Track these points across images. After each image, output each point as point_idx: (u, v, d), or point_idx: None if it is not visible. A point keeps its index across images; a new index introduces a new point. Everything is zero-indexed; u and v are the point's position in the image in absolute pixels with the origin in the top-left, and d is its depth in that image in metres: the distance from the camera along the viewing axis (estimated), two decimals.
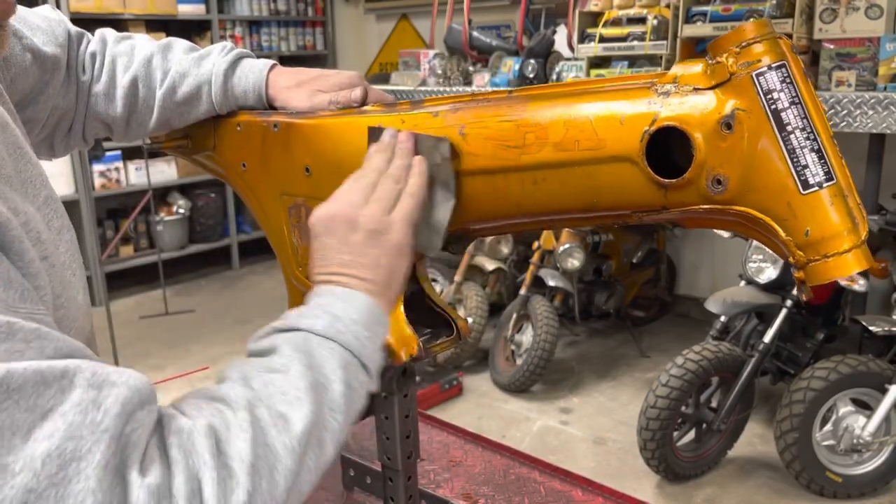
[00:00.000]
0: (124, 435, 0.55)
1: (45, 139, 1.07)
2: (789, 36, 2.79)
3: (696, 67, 0.76)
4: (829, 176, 0.70)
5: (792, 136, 0.71)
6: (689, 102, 0.75)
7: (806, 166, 0.71)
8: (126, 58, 1.07)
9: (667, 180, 0.76)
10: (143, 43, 1.09)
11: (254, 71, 1.04)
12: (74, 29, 1.08)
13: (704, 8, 3.01)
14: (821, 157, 0.70)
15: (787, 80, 0.71)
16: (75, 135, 1.09)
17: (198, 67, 1.05)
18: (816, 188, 0.70)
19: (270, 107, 1.05)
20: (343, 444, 0.71)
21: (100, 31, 1.11)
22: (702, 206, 0.76)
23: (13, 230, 0.64)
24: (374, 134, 0.90)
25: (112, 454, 0.54)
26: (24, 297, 0.61)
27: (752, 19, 0.71)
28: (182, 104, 1.06)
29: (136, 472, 0.55)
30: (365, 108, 0.98)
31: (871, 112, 2.53)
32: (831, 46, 2.79)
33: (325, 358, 0.69)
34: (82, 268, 0.84)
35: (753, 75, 0.72)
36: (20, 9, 1.00)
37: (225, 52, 1.06)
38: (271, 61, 1.06)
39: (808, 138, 0.71)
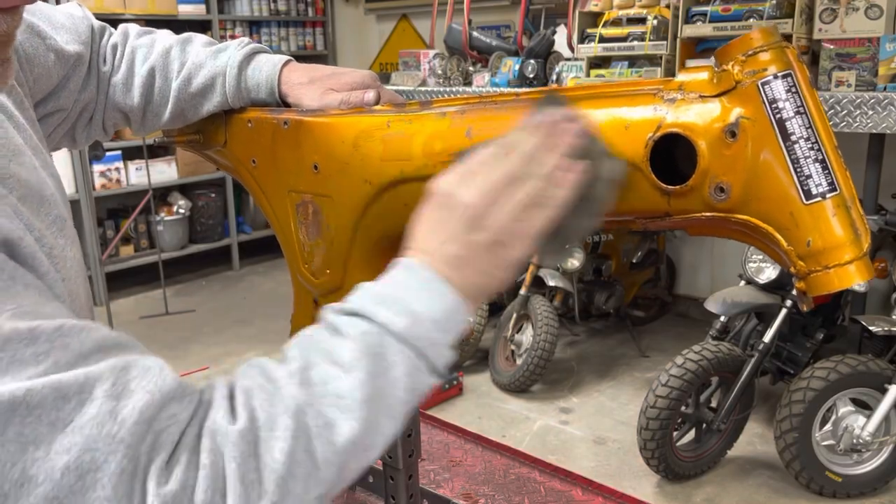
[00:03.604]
0: (147, 439, 0.57)
1: (68, 131, 1.08)
2: (789, 36, 2.79)
3: (702, 75, 0.76)
4: (832, 186, 0.71)
5: (796, 145, 0.71)
6: (694, 110, 0.75)
7: (809, 176, 0.71)
8: (145, 49, 1.09)
9: (670, 187, 0.76)
10: (163, 36, 1.11)
11: (268, 65, 1.06)
12: (97, 23, 1.10)
13: (704, 8, 3.01)
14: (824, 168, 0.71)
15: (793, 90, 0.72)
16: (96, 125, 1.10)
17: (214, 60, 1.07)
18: (819, 198, 0.71)
19: (283, 102, 1.06)
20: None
21: (122, 26, 1.13)
22: (704, 214, 0.76)
23: (27, 246, 0.66)
24: (551, 102, 0.78)
25: (128, 462, 0.56)
26: (42, 296, 0.63)
27: (759, 27, 0.71)
28: (196, 95, 1.07)
29: (155, 480, 0.56)
30: (374, 107, 0.99)
31: (870, 112, 2.54)
32: (831, 46, 2.79)
33: (395, 363, 0.66)
34: (87, 283, 0.85)
35: (759, 84, 0.72)
36: (46, 7, 1.01)
37: (241, 46, 1.08)
38: (286, 57, 1.07)
39: (812, 148, 0.71)
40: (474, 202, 0.71)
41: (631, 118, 0.78)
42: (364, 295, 0.70)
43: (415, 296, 0.69)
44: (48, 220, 0.77)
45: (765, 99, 0.72)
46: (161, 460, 0.57)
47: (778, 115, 0.71)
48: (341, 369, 0.65)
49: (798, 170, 0.71)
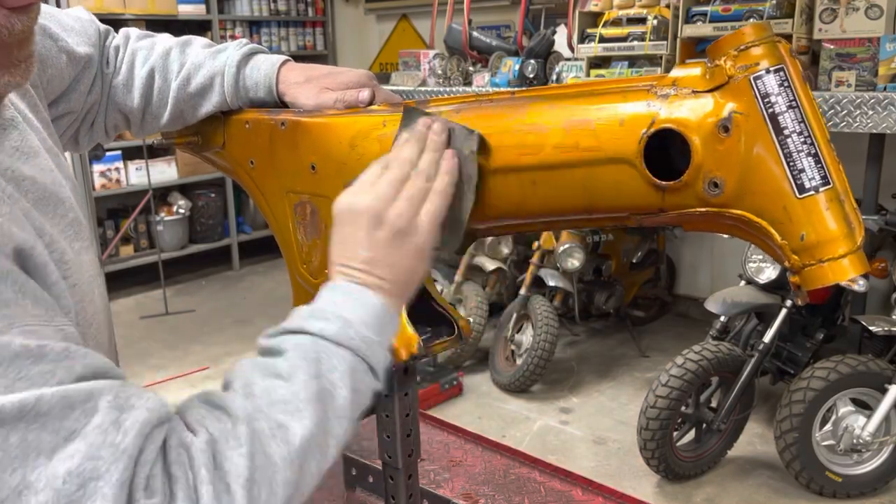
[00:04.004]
0: (140, 455, 0.58)
1: (73, 135, 1.09)
2: (789, 37, 2.79)
3: (695, 70, 0.76)
4: (825, 180, 0.71)
5: (789, 139, 0.71)
6: (687, 105, 0.75)
7: (802, 170, 0.71)
8: (146, 51, 1.10)
9: (664, 182, 0.76)
10: (163, 39, 1.13)
11: (266, 64, 1.07)
12: (102, 26, 1.11)
13: (704, 8, 3.01)
14: (817, 161, 0.71)
15: (785, 84, 0.71)
16: (98, 128, 1.11)
17: (213, 60, 1.08)
18: (812, 192, 0.71)
19: (281, 101, 1.06)
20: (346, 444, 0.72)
21: (124, 29, 1.14)
22: (699, 209, 0.77)
23: (37, 256, 0.67)
24: (409, 117, 0.88)
25: (128, 474, 0.57)
26: (49, 311, 0.64)
27: (751, 22, 0.71)
28: (195, 95, 1.08)
29: (143, 494, 0.58)
30: (371, 107, 0.99)
31: (870, 112, 2.54)
32: (831, 46, 2.79)
33: (334, 365, 0.70)
34: (103, 287, 0.85)
35: (751, 79, 0.72)
36: (55, 10, 1.02)
37: (240, 46, 1.09)
38: (284, 56, 1.08)
39: (804, 142, 0.71)
40: (370, 205, 0.77)
41: (625, 114, 0.78)
42: (292, 316, 0.74)
43: (341, 305, 0.73)
44: (63, 223, 0.77)
45: (757, 93, 0.72)
46: (143, 475, 0.58)
47: (770, 110, 0.71)
48: (282, 379, 0.68)
49: (791, 164, 0.71)
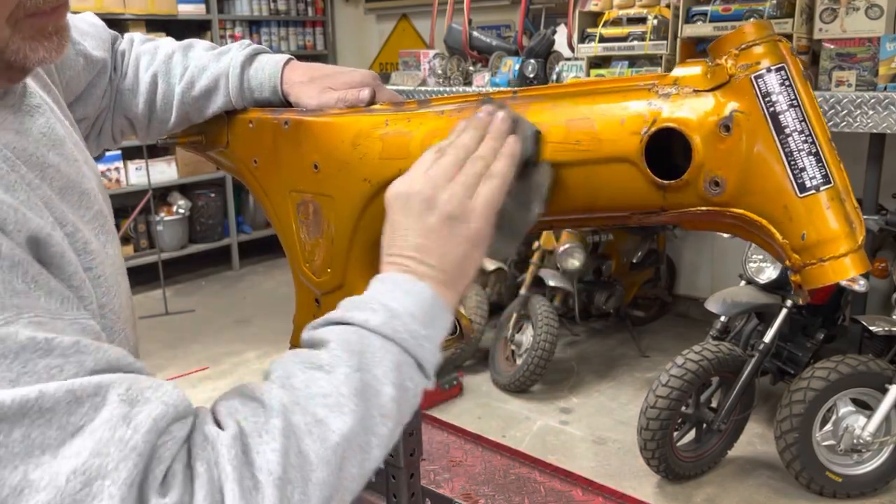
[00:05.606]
0: (153, 451, 0.55)
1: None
2: (789, 36, 2.79)
3: (696, 69, 0.76)
4: (826, 179, 0.71)
5: (790, 138, 0.71)
6: (688, 104, 0.75)
7: (803, 169, 0.71)
8: (149, 56, 1.10)
9: (665, 181, 0.76)
10: (166, 43, 1.13)
11: (270, 64, 1.07)
12: (111, 32, 1.12)
13: (704, 8, 3.01)
14: (818, 160, 0.71)
15: (786, 83, 0.71)
16: (105, 134, 1.12)
17: (216, 62, 1.08)
18: (813, 191, 0.71)
19: (285, 100, 1.06)
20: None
21: (128, 34, 1.15)
22: (700, 208, 0.76)
23: (54, 245, 0.63)
24: (483, 104, 0.84)
25: (138, 472, 0.53)
26: (65, 304, 0.61)
27: (752, 21, 0.71)
28: (200, 98, 1.08)
29: (156, 493, 0.54)
30: (373, 106, 0.99)
31: (871, 112, 2.54)
32: (831, 46, 2.79)
33: (378, 359, 0.65)
34: (127, 281, 0.83)
35: (752, 77, 0.72)
36: (70, 16, 1.03)
37: (243, 47, 1.09)
38: (287, 56, 1.09)
39: (805, 141, 0.71)
40: (420, 189, 0.74)
41: (626, 113, 0.78)
42: (338, 307, 0.71)
43: (387, 295, 0.70)
44: (89, 214, 0.75)
45: (758, 92, 0.72)
46: (160, 472, 0.55)
47: (771, 109, 0.71)
48: (323, 371, 0.64)
49: (792, 163, 0.71)
